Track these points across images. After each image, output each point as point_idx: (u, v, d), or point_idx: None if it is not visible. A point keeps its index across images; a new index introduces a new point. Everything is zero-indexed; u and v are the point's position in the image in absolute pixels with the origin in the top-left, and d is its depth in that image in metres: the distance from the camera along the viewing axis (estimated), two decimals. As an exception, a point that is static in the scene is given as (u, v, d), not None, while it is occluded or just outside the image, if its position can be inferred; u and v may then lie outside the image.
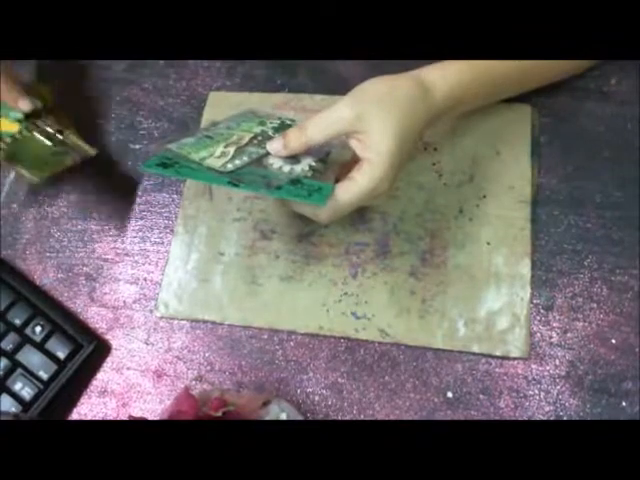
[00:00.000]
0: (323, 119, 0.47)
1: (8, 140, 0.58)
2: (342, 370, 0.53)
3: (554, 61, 0.53)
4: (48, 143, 0.59)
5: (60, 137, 0.59)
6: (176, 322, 0.57)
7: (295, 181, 0.47)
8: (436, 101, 0.48)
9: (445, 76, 0.49)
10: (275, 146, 0.48)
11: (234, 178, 0.46)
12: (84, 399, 0.56)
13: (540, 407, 0.49)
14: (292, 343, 0.54)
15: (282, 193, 0.45)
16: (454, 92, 0.49)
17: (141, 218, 0.61)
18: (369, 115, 0.46)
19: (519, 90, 0.55)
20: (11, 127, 0.59)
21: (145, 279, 0.59)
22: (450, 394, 0.51)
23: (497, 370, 0.51)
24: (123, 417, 0.54)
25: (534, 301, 0.52)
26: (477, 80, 0.50)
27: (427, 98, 0.48)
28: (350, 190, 0.46)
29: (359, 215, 0.56)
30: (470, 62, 0.50)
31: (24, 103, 0.58)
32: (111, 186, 0.63)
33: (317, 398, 0.52)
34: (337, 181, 0.47)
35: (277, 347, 0.54)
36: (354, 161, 0.48)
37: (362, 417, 0.51)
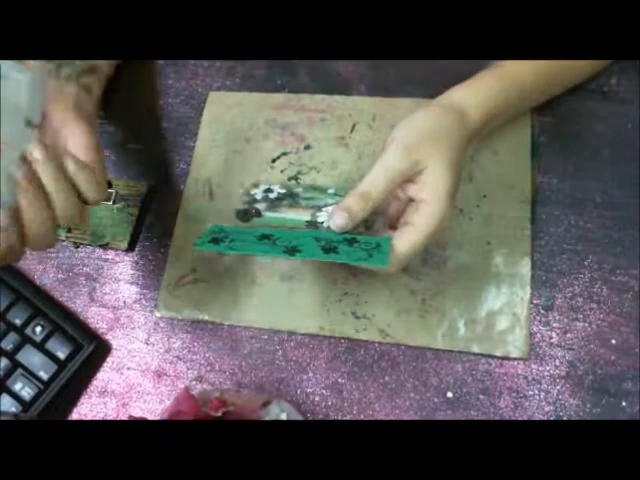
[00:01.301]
0: (382, 177, 0.45)
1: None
2: (342, 370, 0.53)
3: (576, 66, 0.54)
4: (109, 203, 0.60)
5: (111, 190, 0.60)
6: (176, 322, 0.57)
7: (351, 240, 0.45)
8: (470, 121, 0.48)
9: (475, 94, 0.49)
10: (339, 223, 0.46)
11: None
12: (84, 399, 0.56)
13: (540, 407, 0.49)
14: (292, 343, 0.54)
15: (342, 257, 0.44)
16: (487, 108, 0.49)
17: (141, 218, 0.61)
18: (420, 156, 0.45)
19: (544, 97, 0.55)
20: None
21: (145, 279, 0.59)
22: (450, 394, 0.51)
23: (497, 370, 0.51)
24: (123, 417, 0.54)
25: (534, 301, 0.52)
26: (505, 92, 0.50)
27: (462, 121, 0.48)
28: (412, 236, 0.45)
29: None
30: (496, 75, 0.50)
31: None
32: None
33: (317, 398, 0.52)
34: (392, 228, 0.46)
35: (277, 347, 0.54)
36: (405, 204, 0.47)
37: (362, 417, 0.51)
